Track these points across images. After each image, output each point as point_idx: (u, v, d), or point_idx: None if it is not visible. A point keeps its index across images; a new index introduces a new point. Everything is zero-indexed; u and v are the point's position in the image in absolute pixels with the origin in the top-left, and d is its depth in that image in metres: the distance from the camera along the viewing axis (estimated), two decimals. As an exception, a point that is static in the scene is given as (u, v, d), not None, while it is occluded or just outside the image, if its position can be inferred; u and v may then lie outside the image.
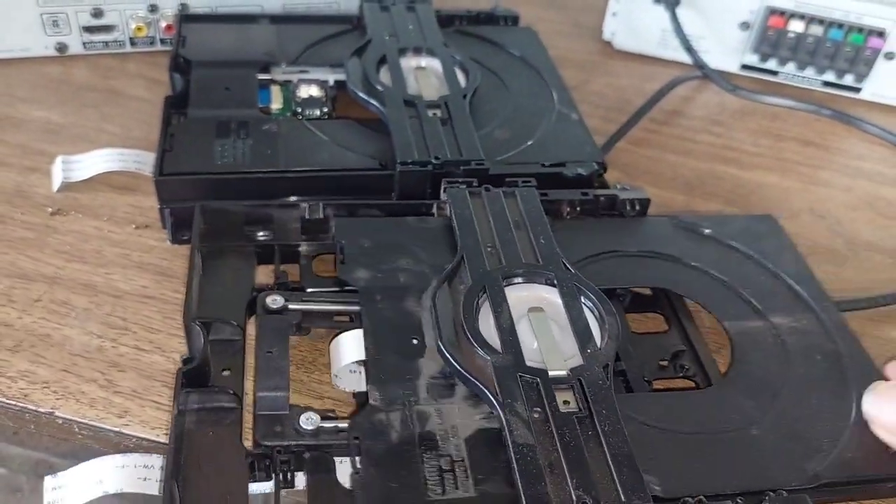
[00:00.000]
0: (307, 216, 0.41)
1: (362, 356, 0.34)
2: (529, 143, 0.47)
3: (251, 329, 0.36)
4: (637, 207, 0.44)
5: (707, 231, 0.43)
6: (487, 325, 0.35)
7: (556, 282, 0.37)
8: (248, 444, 0.32)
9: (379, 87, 0.47)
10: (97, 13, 0.55)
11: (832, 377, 0.37)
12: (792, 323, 0.39)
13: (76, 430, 0.35)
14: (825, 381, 0.36)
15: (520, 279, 0.37)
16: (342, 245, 0.39)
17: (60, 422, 0.35)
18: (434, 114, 0.46)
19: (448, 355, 0.34)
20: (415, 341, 0.35)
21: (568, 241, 0.40)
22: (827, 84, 0.61)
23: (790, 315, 0.39)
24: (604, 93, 0.60)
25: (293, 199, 0.42)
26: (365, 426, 0.31)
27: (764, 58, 0.61)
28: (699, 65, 0.60)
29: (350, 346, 0.35)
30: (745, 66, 0.62)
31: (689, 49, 0.60)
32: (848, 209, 0.52)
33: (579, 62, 0.63)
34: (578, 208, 0.44)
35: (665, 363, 0.39)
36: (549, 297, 0.37)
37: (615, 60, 0.64)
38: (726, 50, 0.62)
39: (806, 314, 0.40)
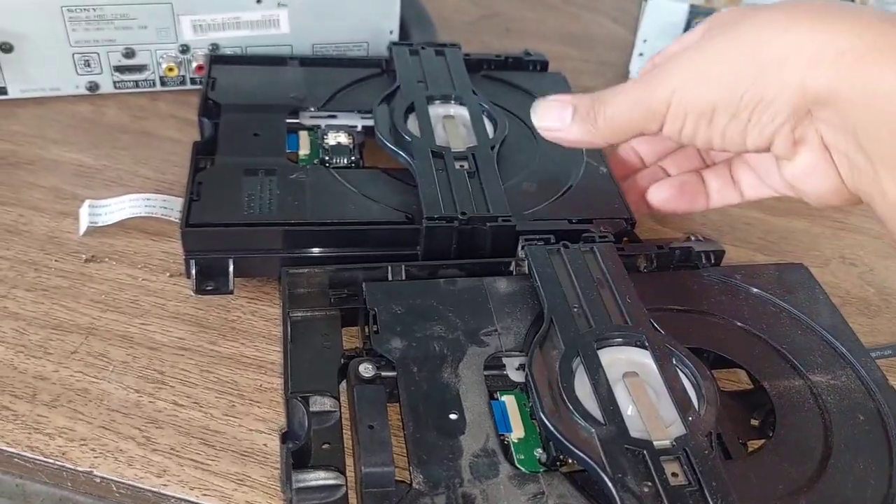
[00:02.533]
0: (390, 277, 0.41)
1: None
2: (556, 197, 0.47)
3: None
4: (712, 259, 0.44)
5: (739, 283, 0.43)
6: (582, 391, 0.35)
7: (647, 344, 0.37)
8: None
9: (407, 138, 0.47)
10: (129, 53, 0.55)
11: (875, 439, 0.36)
12: (831, 381, 0.39)
13: (114, 489, 0.35)
14: (869, 444, 0.36)
15: (613, 342, 0.37)
16: (375, 313, 0.39)
17: (98, 481, 0.35)
18: (461, 166, 0.46)
19: (552, 427, 0.33)
20: (453, 416, 0.35)
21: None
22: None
23: (829, 372, 0.39)
24: (630, 135, 0.60)
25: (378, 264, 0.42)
26: None
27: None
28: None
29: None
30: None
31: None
32: (879, 257, 0.51)
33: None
34: (655, 262, 0.44)
35: (756, 422, 0.39)
36: (641, 359, 0.37)
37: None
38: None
39: (845, 370, 0.39)
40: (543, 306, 0.39)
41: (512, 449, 0.35)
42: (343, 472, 0.32)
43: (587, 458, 0.32)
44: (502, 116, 0.51)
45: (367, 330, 0.39)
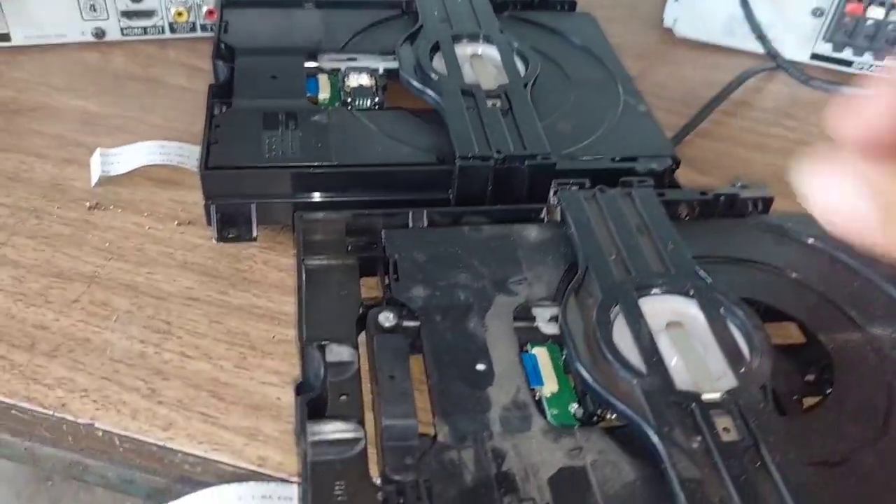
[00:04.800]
0: (410, 224, 0.38)
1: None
2: (595, 136, 0.44)
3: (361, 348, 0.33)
4: (760, 207, 0.41)
5: (791, 231, 0.40)
6: (622, 342, 0.32)
7: (692, 292, 0.34)
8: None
9: (434, 77, 0.44)
10: (136, -3, 0.52)
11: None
12: (893, 335, 0.35)
13: (117, 443, 0.32)
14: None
15: (655, 290, 0.34)
16: (395, 260, 0.36)
17: (100, 434, 0.32)
18: (493, 104, 0.43)
19: (590, 378, 0.30)
20: (481, 367, 0.32)
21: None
22: (907, 75, 0.57)
23: (891, 325, 0.36)
24: (666, 83, 0.56)
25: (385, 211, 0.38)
26: (434, 467, 0.28)
27: (838, 47, 0.57)
28: (772, 54, 0.56)
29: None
30: (815, 56, 0.58)
31: (761, 38, 0.56)
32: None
33: (638, 51, 0.59)
34: (697, 209, 0.40)
35: (811, 378, 0.35)
36: (685, 309, 0.34)
37: (677, 49, 0.60)
38: (796, 38, 0.58)
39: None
40: (578, 254, 0.36)
41: (544, 403, 0.32)
42: (362, 425, 0.30)
43: (629, 411, 0.29)
44: (533, 55, 0.47)
45: (386, 279, 0.36)
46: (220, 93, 0.44)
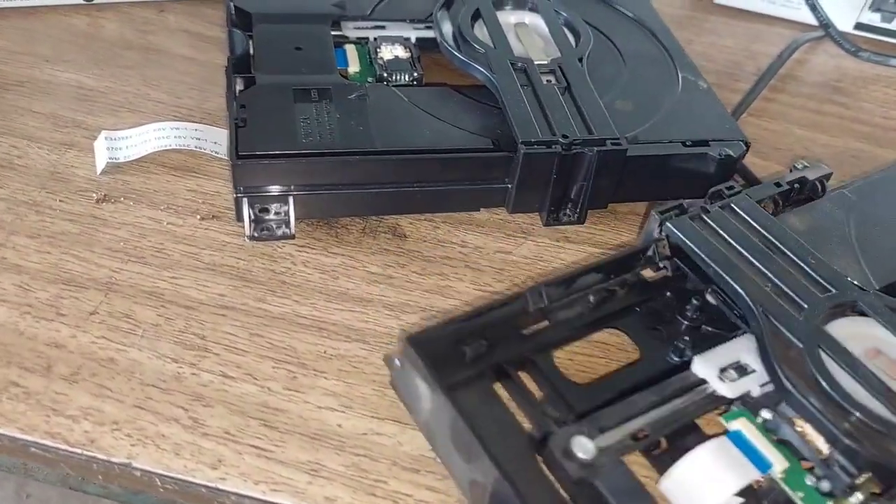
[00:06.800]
0: (530, 307, 0.30)
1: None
2: (657, 117, 0.40)
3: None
4: (824, 185, 0.37)
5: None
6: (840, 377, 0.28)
7: (866, 309, 0.30)
8: None
9: (480, 49, 0.40)
10: (129, -45, 0.46)
11: None
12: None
13: (158, 483, 0.28)
14: None
15: (838, 318, 0.30)
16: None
17: (139, 474, 0.28)
18: (549, 81, 0.39)
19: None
20: None
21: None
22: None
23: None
24: (709, 54, 0.53)
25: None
26: None
27: (887, 17, 0.54)
28: (823, 23, 0.53)
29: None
30: (860, 26, 0.55)
31: (812, 6, 0.52)
32: None
33: (676, 19, 0.55)
34: (781, 205, 0.36)
35: None
36: (868, 330, 0.30)
37: (716, 17, 0.56)
38: (841, 7, 0.54)
39: None
40: (726, 292, 0.31)
41: (786, 487, 0.27)
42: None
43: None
44: (584, 25, 0.43)
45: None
46: (239, 66, 0.39)
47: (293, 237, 0.35)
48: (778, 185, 0.37)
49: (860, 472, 0.26)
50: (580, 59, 0.41)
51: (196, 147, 0.38)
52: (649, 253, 0.33)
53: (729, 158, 0.38)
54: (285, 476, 0.28)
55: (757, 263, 0.32)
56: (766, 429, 0.28)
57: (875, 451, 0.26)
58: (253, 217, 0.34)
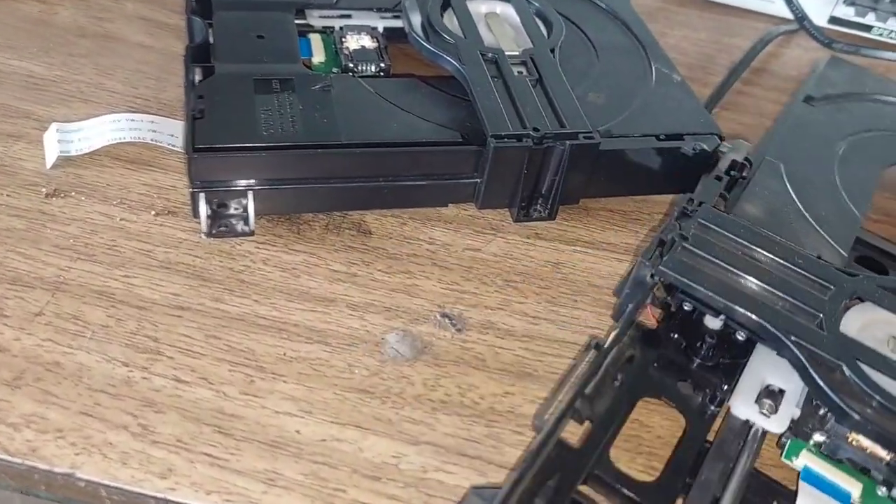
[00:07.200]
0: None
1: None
2: (630, 110, 0.39)
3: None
4: (750, 160, 0.37)
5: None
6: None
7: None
8: None
9: (449, 39, 0.38)
10: (84, -62, 0.45)
11: None
12: None
13: (104, 494, 0.26)
14: None
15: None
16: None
17: (83, 484, 0.26)
18: (520, 73, 0.38)
19: None
20: None
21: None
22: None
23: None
24: (682, 48, 0.52)
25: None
26: None
27: (861, 12, 0.53)
28: (798, 16, 0.52)
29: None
30: (834, 20, 0.54)
31: (788, -1, 0.52)
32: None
33: (647, 11, 0.54)
34: (727, 195, 0.35)
35: None
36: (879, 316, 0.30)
37: (688, 9, 0.56)
38: (815, 1, 0.54)
39: None
40: (745, 325, 0.30)
41: None
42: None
43: None
44: (555, 15, 0.42)
45: None
46: (198, 55, 0.38)
47: (253, 234, 0.34)
48: (719, 178, 0.35)
49: None
50: (552, 51, 0.40)
51: (152, 140, 0.37)
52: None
53: (703, 152, 0.37)
54: (240, 486, 0.26)
55: (756, 281, 0.30)
56: (826, 454, 0.28)
57: None
58: (210, 213, 0.33)
